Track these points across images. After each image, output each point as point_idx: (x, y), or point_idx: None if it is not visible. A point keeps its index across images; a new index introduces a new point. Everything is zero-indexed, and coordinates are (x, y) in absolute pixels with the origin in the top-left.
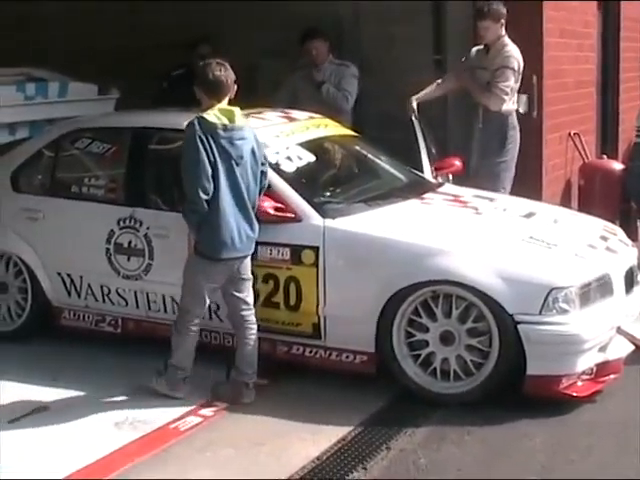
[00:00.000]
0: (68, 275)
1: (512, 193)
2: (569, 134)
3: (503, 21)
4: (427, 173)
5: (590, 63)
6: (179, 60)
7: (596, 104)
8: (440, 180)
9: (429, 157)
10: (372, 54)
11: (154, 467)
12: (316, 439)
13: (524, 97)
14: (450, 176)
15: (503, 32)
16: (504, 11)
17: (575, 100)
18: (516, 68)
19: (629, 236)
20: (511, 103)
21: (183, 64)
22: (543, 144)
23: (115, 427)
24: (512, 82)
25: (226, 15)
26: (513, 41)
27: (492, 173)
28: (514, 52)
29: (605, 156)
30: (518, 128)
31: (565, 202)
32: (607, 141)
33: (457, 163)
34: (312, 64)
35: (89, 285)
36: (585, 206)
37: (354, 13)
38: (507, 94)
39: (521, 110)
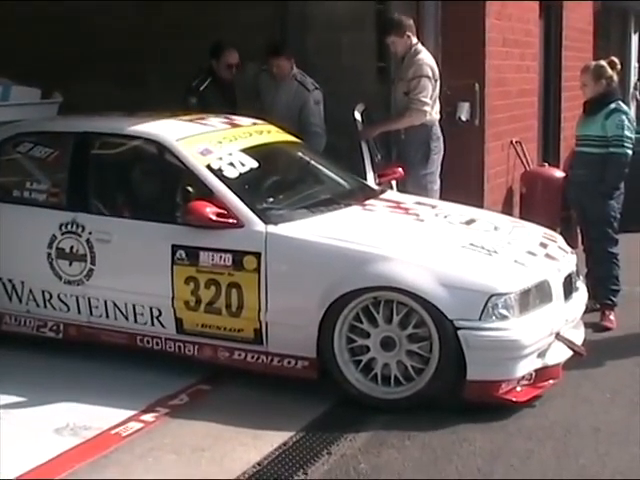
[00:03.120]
0: (9, 280)
1: (453, 200)
2: (511, 142)
3: (409, 33)
4: (370, 180)
5: (532, 72)
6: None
7: (538, 112)
8: (383, 187)
9: (373, 164)
10: (317, 60)
11: (94, 473)
12: (258, 444)
13: (466, 105)
14: (394, 183)
15: (414, 41)
16: (408, 22)
17: (517, 108)
18: (430, 75)
19: (569, 243)
20: (434, 112)
21: (203, 74)
22: (485, 152)
23: (55, 433)
24: (430, 90)
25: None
26: (455, 49)
27: (419, 185)
28: (427, 60)
29: (546, 164)
30: (442, 138)
31: (507, 209)
32: (548, 149)
33: (400, 170)
34: (276, 80)
35: (30, 290)
36: (526, 213)
37: (300, 19)
38: (426, 104)
39: (463, 117)
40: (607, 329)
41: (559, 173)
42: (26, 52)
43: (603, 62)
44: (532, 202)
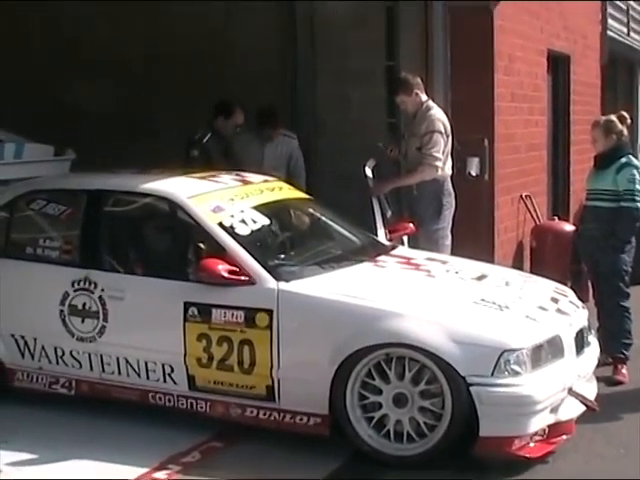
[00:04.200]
0: (22, 337)
1: (464, 255)
2: (521, 196)
3: (417, 90)
4: (381, 236)
5: (541, 126)
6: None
7: (547, 166)
8: (394, 243)
9: (384, 220)
10: (327, 114)
11: None
12: None
13: (475, 160)
14: (405, 238)
15: (424, 98)
16: (415, 81)
17: (526, 163)
18: (442, 130)
19: (580, 297)
20: (446, 168)
21: (204, 129)
22: (495, 206)
23: None
24: (442, 145)
25: None
26: (465, 105)
27: (431, 240)
28: (438, 115)
29: (556, 218)
30: (453, 194)
31: (517, 263)
32: (558, 203)
33: (411, 226)
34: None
35: (43, 347)
36: (537, 267)
37: (310, 72)
38: (438, 159)
39: (473, 172)
40: (619, 383)
41: (569, 227)
42: None
43: (613, 117)
44: (543, 256)
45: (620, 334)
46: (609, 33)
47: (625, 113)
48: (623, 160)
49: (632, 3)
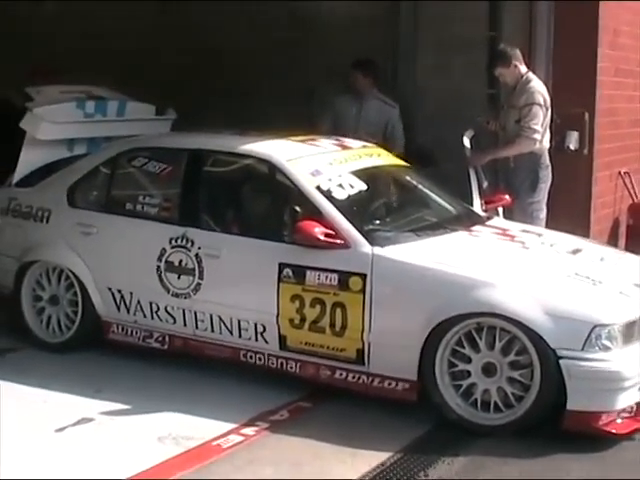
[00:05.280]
0: (118, 290)
1: (559, 229)
2: (619, 172)
3: (516, 62)
4: (477, 206)
5: None
6: None
7: None
8: (489, 214)
9: (480, 190)
10: (426, 83)
11: None
12: (355, 463)
13: (575, 134)
14: (500, 210)
15: (523, 70)
16: (513, 52)
17: (627, 139)
18: (542, 103)
19: None
20: (544, 141)
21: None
22: (593, 181)
23: (158, 441)
24: (541, 118)
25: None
26: (566, 78)
27: (525, 213)
28: (539, 87)
29: None
30: (550, 167)
31: (612, 240)
32: None
33: (507, 197)
34: (354, 93)
35: (139, 301)
36: (633, 245)
37: (412, 43)
38: (537, 132)
39: (572, 147)
40: None
41: None
42: None
43: None
44: (639, 234)
45: None
46: None
47: None
48: None
49: None
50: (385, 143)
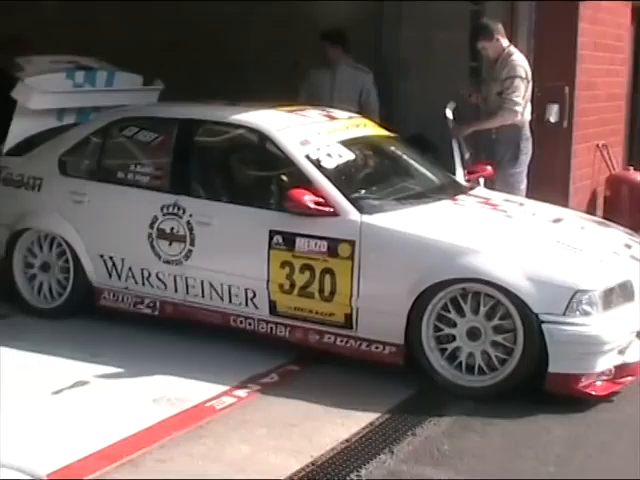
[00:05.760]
0: (110, 257)
1: (539, 199)
2: (597, 145)
3: (498, 36)
4: (459, 176)
5: (621, 76)
6: None
7: (625, 116)
8: (472, 184)
9: (462, 161)
10: (410, 57)
11: (191, 441)
12: (346, 423)
13: (555, 107)
14: (482, 180)
15: (505, 44)
16: (496, 26)
17: (605, 112)
18: (524, 76)
19: None
20: (526, 113)
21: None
22: (572, 153)
23: (153, 403)
24: (522, 90)
25: None
26: (547, 51)
27: (507, 184)
28: (520, 61)
29: (631, 168)
30: (531, 139)
31: (590, 211)
32: (634, 153)
33: (489, 168)
34: (327, 63)
35: (130, 268)
36: (610, 216)
37: (396, 15)
38: (519, 104)
39: (552, 119)
40: None
41: None
42: None
43: None
44: (616, 205)
45: None
46: None
47: None
48: None
49: None
50: (360, 109)
